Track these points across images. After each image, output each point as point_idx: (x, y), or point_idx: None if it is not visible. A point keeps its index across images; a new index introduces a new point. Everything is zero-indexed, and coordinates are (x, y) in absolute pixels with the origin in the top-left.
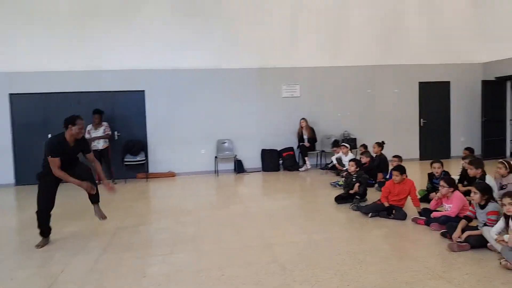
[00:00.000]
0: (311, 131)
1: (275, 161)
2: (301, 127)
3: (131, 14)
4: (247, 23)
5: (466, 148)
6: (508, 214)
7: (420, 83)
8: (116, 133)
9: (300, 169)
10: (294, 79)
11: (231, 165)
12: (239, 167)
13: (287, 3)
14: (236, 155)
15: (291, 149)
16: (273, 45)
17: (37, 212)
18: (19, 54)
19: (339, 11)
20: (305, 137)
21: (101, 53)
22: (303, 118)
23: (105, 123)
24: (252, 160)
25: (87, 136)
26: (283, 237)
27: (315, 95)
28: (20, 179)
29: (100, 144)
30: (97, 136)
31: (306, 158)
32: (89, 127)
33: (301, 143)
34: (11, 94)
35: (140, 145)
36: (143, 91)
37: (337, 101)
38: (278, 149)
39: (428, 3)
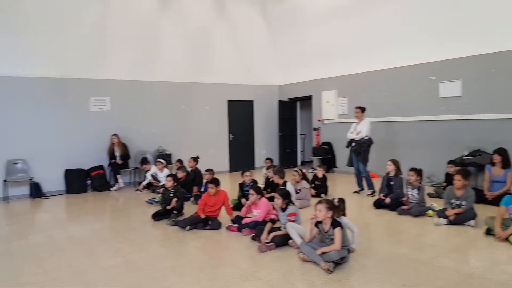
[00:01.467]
0: (124, 147)
1: (82, 181)
2: (113, 144)
3: None
4: (46, 28)
5: (268, 158)
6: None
7: (229, 101)
8: None
9: (111, 189)
10: (103, 92)
11: (25, 189)
12: (36, 191)
13: (93, 11)
14: (32, 177)
15: (100, 167)
16: (77, 55)
17: None
18: None
19: (152, 26)
20: (117, 154)
21: None
22: (114, 134)
23: None
24: (54, 182)
25: None
26: (96, 263)
27: (128, 110)
28: None
29: None
30: None
31: (118, 176)
32: None
33: (112, 161)
34: None
35: None
36: None
37: (152, 116)
38: (86, 168)
39: (235, 31)
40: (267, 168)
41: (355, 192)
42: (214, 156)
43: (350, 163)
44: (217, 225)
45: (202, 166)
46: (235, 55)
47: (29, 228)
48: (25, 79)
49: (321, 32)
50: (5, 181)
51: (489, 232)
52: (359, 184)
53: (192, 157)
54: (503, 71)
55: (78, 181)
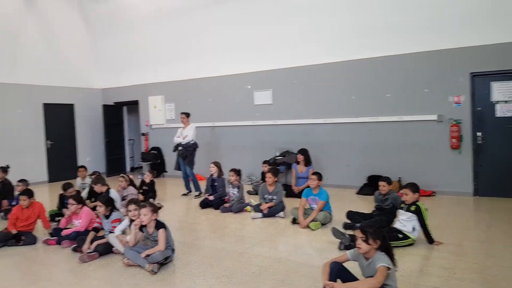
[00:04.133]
0: None
1: None
2: None
3: None
4: None
5: (81, 166)
6: (133, 218)
7: (45, 104)
8: None
9: None
10: None
11: None
12: None
13: None
14: None
15: None
16: None
17: None
18: None
19: None
20: None
21: None
22: None
23: None
24: None
25: None
26: None
27: None
28: None
29: None
30: None
31: None
32: None
33: None
34: None
35: None
36: None
37: None
38: None
39: (47, 27)
40: (90, 176)
41: (184, 194)
42: (29, 165)
43: (178, 167)
44: (32, 240)
45: (14, 177)
46: (49, 55)
47: None
48: None
49: (147, 35)
50: None
51: (294, 221)
52: (187, 186)
53: (1, 167)
54: (303, 82)
55: None
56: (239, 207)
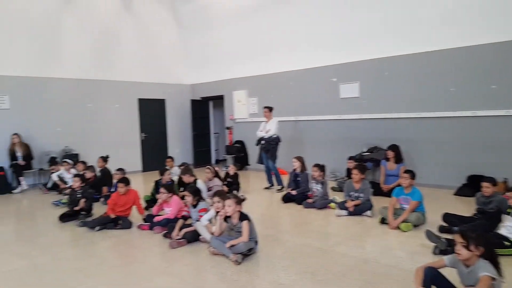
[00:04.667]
0: (26, 147)
1: None
2: (13, 144)
3: None
4: None
5: (168, 157)
6: (218, 210)
7: (139, 100)
8: None
9: (14, 191)
10: (0, 89)
11: None
12: None
13: None
14: None
15: (1, 169)
16: None
17: None
18: None
19: (52, 20)
20: (19, 154)
21: None
22: (15, 134)
23: None
24: None
25: None
26: None
27: (29, 108)
28: None
29: None
30: None
31: (21, 178)
32: None
33: (14, 162)
34: None
35: None
36: None
37: (56, 114)
38: None
39: (143, 28)
40: (179, 166)
41: (266, 188)
42: (126, 155)
43: (260, 161)
44: (127, 225)
45: (113, 166)
46: (145, 53)
47: None
48: None
49: (231, 32)
50: None
51: (383, 221)
52: (269, 180)
53: (101, 157)
54: (395, 74)
55: None
56: (323, 204)
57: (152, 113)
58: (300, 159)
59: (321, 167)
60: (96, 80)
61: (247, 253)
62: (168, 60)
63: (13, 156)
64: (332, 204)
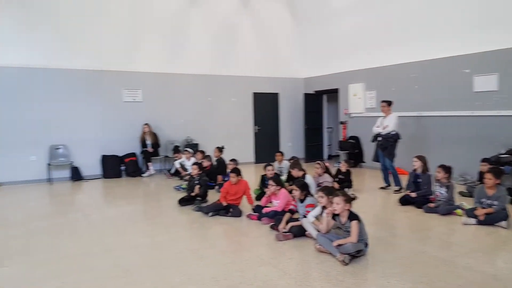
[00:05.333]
0: (154, 136)
1: (116, 167)
2: (144, 132)
3: None
4: (82, 22)
5: (278, 152)
6: (322, 205)
7: (254, 94)
8: None
9: (143, 175)
10: (135, 84)
11: (67, 173)
12: (76, 175)
13: (125, 5)
14: (72, 161)
15: (133, 154)
16: (112, 48)
17: None
18: None
19: (179, 19)
20: (148, 142)
21: None
22: (145, 123)
23: None
24: (91, 166)
25: None
26: (125, 242)
27: (158, 101)
28: None
29: None
30: None
31: (149, 164)
32: None
33: (144, 149)
34: None
35: None
36: None
37: (180, 107)
38: (120, 154)
39: (260, 23)
40: (288, 160)
41: (381, 188)
42: (240, 147)
43: (376, 158)
44: (238, 213)
45: (228, 156)
46: (260, 48)
47: (69, 207)
48: (65, 71)
49: (348, 23)
50: (48, 164)
51: None
52: (386, 180)
53: (217, 147)
54: None
55: (113, 166)
56: (447, 209)
57: (265, 106)
58: (421, 158)
59: (446, 169)
60: (216, 76)
61: (355, 254)
62: (283, 54)
63: (143, 144)
64: (459, 211)
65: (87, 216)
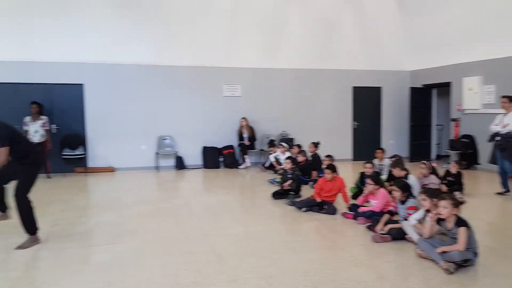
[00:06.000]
0: (251, 130)
1: (215, 158)
2: (241, 126)
3: (70, 5)
4: (187, 20)
5: (379, 148)
6: (427, 210)
7: (354, 88)
8: (54, 126)
9: (239, 167)
10: (235, 79)
11: (172, 162)
12: (180, 164)
13: (227, 2)
14: (177, 151)
15: (231, 147)
16: (214, 45)
17: None
18: None
19: (278, 14)
20: (245, 135)
21: (38, 44)
22: (243, 117)
23: (44, 117)
24: (193, 157)
25: (24, 127)
26: (221, 229)
27: (255, 95)
28: None
29: (35, 138)
30: (35, 129)
31: (245, 156)
32: (27, 118)
33: (241, 142)
34: None
35: (78, 139)
36: (82, 84)
37: (277, 101)
38: (219, 146)
39: (361, 12)
40: (389, 158)
41: (498, 193)
42: (336, 143)
43: (493, 160)
44: (332, 210)
45: (323, 152)
46: (361, 40)
47: (173, 193)
48: (172, 68)
49: (461, 10)
50: (156, 153)
51: None
52: (504, 184)
53: (313, 142)
54: None
55: (212, 157)
56: None
57: (366, 101)
58: None
59: None
60: (314, 69)
61: (462, 264)
62: (387, 46)
63: (240, 137)
64: None
65: (188, 202)
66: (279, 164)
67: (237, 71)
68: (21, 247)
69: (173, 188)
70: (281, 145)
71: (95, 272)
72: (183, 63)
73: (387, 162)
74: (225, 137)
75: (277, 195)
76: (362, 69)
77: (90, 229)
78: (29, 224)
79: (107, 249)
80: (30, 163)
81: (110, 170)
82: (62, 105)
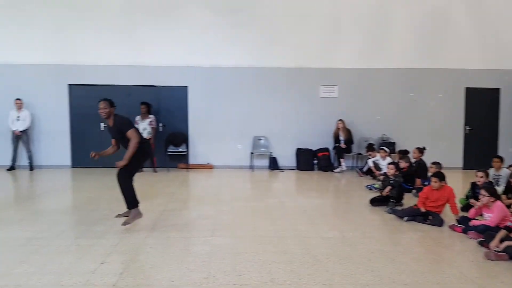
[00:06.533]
0: (348, 132)
1: (309, 160)
2: (338, 128)
3: (176, 12)
4: (285, 22)
5: (497, 157)
6: None
7: (467, 89)
8: (161, 125)
9: (334, 170)
10: (332, 80)
11: (266, 162)
12: (273, 164)
13: (326, 2)
14: (271, 152)
15: (326, 149)
16: (311, 45)
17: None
18: (77, 49)
19: (381, 12)
20: (342, 138)
21: (148, 49)
22: (340, 119)
23: (151, 116)
24: (287, 158)
25: (135, 125)
26: (316, 232)
27: (353, 97)
28: (75, 161)
29: (143, 135)
30: (143, 126)
31: (341, 160)
32: (137, 118)
33: (337, 144)
34: (70, 85)
35: (182, 137)
36: (186, 87)
37: (377, 103)
38: (314, 149)
39: (477, 5)
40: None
41: None
42: (445, 149)
43: None
44: (438, 222)
45: (429, 159)
46: (478, 36)
47: (267, 193)
48: (268, 69)
49: None
50: (251, 153)
51: None
52: None
53: (417, 148)
54: None
55: (307, 160)
56: None
57: (481, 104)
58: None
59: None
60: (420, 69)
61: None
62: (507, 41)
63: (336, 139)
64: None
65: (282, 203)
66: (378, 169)
67: (335, 71)
68: (126, 222)
69: (267, 187)
70: (382, 149)
71: (196, 262)
72: (280, 65)
73: (505, 172)
74: (320, 139)
75: (375, 202)
76: (477, 68)
77: (191, 221)
78: (130, 198)
79: (206, 241)
80: (140, 153)
81: (209, 167)
82: (168, 106)
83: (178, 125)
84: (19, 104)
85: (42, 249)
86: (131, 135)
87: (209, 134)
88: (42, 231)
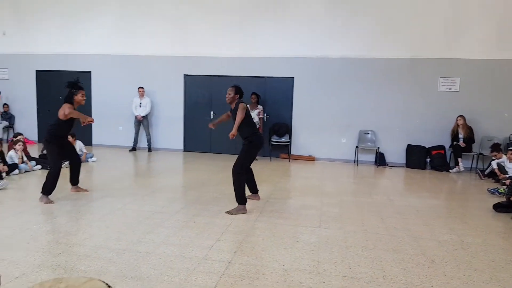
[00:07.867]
0: (469, 130)
1: (421, 158)
2: (457, 125)
3: (283, 5)
4: (400, 11)
5: None
6: None
7: None
8: (265, 115)
9: (450, 171)
10: (453, 72)
11: (371, 157)
12: (380, 160)
13: None
14: (378, 147)
15: (441, 147)
16: (429, 34)
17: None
18: (193, 42)
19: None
20: (461, 136)
21: (256, 42)
22: (460, 115)
23: (260, 107)
24: (395, 154)
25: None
26: (431, 234)
27: (477, 91)
28: (187, 146)
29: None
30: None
31: (459, 160)
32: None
33: (455, 143)
34: (185, 75)
35: (285, 128)
36: (293, 78)
37: (504, 99)
38: (427, 146)
39: None
40: None
41: None
42: None
43: None
44: None
45: None
46: None
47: (373, 189)
48: (380, 60)
49: None
50: (357, 147)
51: None
52: None
53: None
54: None
55: (418, 157)
56: None
57: None
58: None
59: None
60: None
61: None
62: None
63: (455, 137)
64: None
65: (391, 200)
66: (504, 172)
67: (456, 62)
68: (229, 212)
69: (374, 183)
70: (511, 150)
71: (305, 250)
72: (394, 55)
73: None
74: (435, 136)
75: (500, 208)
76: None
77: (296, 210)
78: (239, 195)
79: (313, 231)
80: (252, 143)
81: (311, 159)
82: (274, 96)
83: (282, 116)
84: (141, 92)
85: (164, 223)
86: (238, 114)
87: (313, 125)
88: (163, 206)
